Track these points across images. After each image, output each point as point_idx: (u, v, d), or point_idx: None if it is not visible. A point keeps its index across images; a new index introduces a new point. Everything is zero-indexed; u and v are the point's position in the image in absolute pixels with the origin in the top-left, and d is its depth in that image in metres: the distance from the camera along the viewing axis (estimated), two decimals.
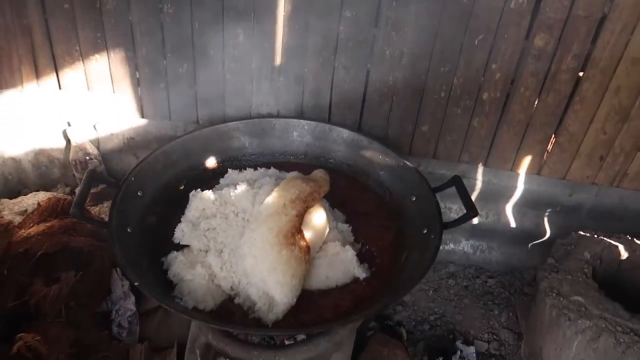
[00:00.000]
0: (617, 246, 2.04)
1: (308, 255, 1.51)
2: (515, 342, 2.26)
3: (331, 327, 1.46)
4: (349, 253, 1.61)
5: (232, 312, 1.47)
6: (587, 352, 1.68)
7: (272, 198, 1.54)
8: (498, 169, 2.29)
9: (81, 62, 2.19)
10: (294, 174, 1.72)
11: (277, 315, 1.43)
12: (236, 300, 1.50)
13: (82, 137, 2.37)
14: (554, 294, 1.81)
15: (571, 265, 1.93)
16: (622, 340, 1.61)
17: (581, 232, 2.12)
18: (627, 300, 1.87)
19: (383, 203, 1.90)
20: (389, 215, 1.84)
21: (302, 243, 1.49)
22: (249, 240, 1.48)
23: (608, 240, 2.06)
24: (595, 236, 2.09)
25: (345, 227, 1.75)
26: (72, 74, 2.23)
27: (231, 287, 1.51)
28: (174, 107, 2.28)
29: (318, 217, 1.62)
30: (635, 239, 2.08)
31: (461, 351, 2.16)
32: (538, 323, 1.93)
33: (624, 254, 2.04)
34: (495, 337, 2.30)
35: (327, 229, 1.65)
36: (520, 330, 2.30)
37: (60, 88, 2.27)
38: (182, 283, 1.50)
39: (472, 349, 2.19)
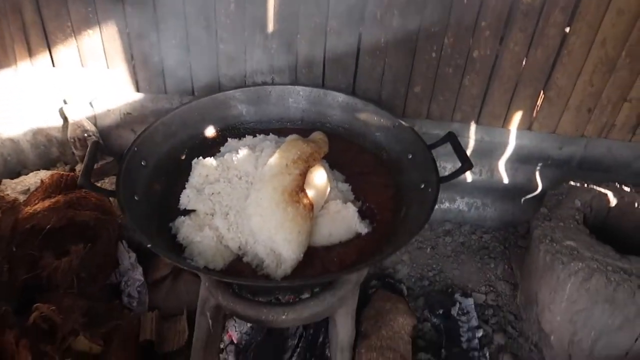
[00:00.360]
0: (606, 194, 2.12)
1: (312, 212, 1.56)
2: (511, 293, 2.36)
3: (339, 276, 1.52)
4: (351, 210, 1.67)
5: (241, 271, 1.53)
6: (580, 292, 1.76)
7: (275, 159, 1.59)
8: (490, 126, 2.34)
9: (73, 38, 2.19)
10: (294, 136, 1.77)
11: (286, 270, 1.49)
12: (245, 259, 1.55)
13: (78, 114, 2.39)
14: (547, 241, 1.89)
15: (563, 213, 2.01)
16: (612, 279, 1.70)
17: (572, 182, 2.19)
18: (617, 245, 1.95)
19: (380, 163, 1.95)
20: (386, 174, 1.89)
21: (306, 201, 1.54)
22: (255, 201, 1.53)
23: (598, 188, 2.14)
24: (586, 185, 2.16)
25: (346, 187, 1.80)
26: (65, 50, 2.23)
27: (239, 247, 1.57)
28: (169, 79, 2.30)
29: (319, 176, 1.67)
30: (623, 187, 2.15)
31: (460, 303, 2.25)
32: (533, 270, 2.01)
33: (613, 201, 2.11)
34: (492, 288, 2.39)
35: (329, 188, 1.70)
36: (515, 280, 2.39)
37: (54, 65, 2.27)
38: (191, 245, 1.56)
39: (470, 300, 2.28)
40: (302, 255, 1.52)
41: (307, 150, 1.63)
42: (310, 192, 1.60)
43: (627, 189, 2.13)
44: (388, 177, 1.88)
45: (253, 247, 1.56)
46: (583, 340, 1.83)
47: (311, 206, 1.56)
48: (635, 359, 1.76)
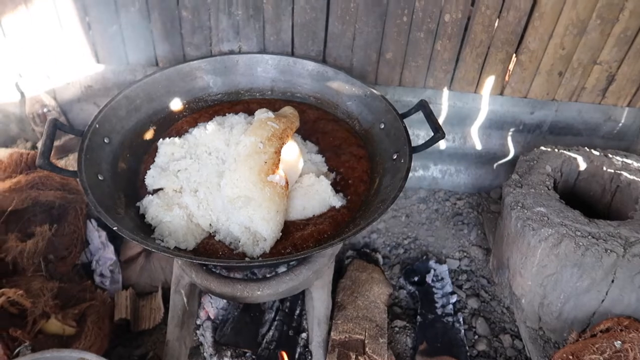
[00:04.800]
0: (575, 158, 2.14)
1: (287, 190, 1.54)
2: (484, 257, 2.40)
3: (311, 253, 1.51)
4: (324, 183, 1.64)
5: (215, 250, 1.49)
6: (550, 257, 1.80)
7: (249, 138, 1.54)
8: (462, 91, 2.32)
9: (24, 6, 2.05)
10: (263, 111, 1.72)
11: (264, 249, 1.47)
12: (217, 237, 1.52)
13: (36, 88, 2.27)
14: (519, 207, 1.91)
15: (534, 179, 2.03)
16: (581, 243, 1.73)
17: (543, 148, 2.20)
18: (586, 207, 1.99)
19: (353, 132, 1.92)
20: (359, 144, 1.86)
21: (282, 179, 1.52)
22: (231, 181, 1.49)
23: (568, 153, 2.15)
24: (556, 150, 2.18)
25: (319, 158, 1.77)
26: (16, 20, 2.09)
27: (210, 224, 1.54)
28: (131, 49, 2.19)
29: (292, 152, 1.63)
30: (592, 150, 2.18)
31: (435, 270, 2.28)
32: (504, 235, 2.04)
33: (583, 165, 2.14)
34: (465, 254, 2.43)
35: (302, 162, 1.67)
36: (488, 245, 2.43)
37: (5, 36, 2.13)
38: (161, 225, 1.51)
39: (444, 267, 2.31)
40: (280, 233, 1.51)
41: (280, 127, 1.59)
42: (285, 169, 1.56)
43: (596, 152, 2.16)
44: (361, 148, 1.85)
45: (225, 225, 1.53)
46: (552, 303, 1.88)
47: (287, 184, 1.53)
48: (600, 319, 1.82)
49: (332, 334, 1.84)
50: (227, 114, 1.89)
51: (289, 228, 1.56)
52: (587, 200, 2.19)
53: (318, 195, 1.64)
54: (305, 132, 1.87)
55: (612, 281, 1.74)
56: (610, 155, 2.14)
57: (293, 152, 1.64)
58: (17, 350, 1.62)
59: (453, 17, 2.07)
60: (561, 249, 1.76)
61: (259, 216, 1.45)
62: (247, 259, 1.44)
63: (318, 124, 1.94)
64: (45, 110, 2.27)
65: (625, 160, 2.12)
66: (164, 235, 1.49)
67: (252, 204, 1.45)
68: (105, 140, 1.66)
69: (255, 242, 1.47)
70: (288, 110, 1.77)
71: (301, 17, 2.09)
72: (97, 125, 1.64)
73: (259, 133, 1.55)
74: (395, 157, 1.69)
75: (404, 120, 1.76)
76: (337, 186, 1.70)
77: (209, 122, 1.73)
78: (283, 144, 1.57)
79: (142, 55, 2.20)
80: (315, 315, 1.84)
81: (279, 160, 1.53)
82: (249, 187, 1.46)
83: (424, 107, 1.76)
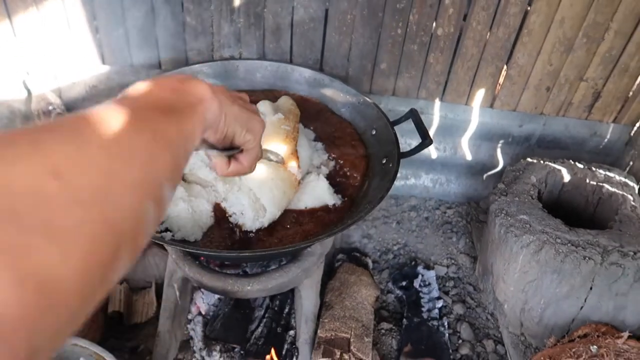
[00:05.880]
0: (560, 170, 2.21)
1: (298, 185, 1.63)
2: (471, 265, 2.46)
3: (299, 247, 1.57)
4: (322, 182, 1.69)
5: (216, 237, 1.54)
6: (531, 263, 1.86)
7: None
8: (454, 103, 2.40)
9: (35, 7, 2.14)
10: (265, 103, 1.78)
11: (263, 223, 1.52)
12: (223, 204, 1.56)
13: (42, 86, 2.35)
14: (503, 214, 1.98)
15: (519, 188, 2.10)
16: (561, 250, 1.79)
17: (529, 159, 2.28)
18: (570, 218, 2.05)
19: (350, 128, 1.97)
20: (358, 141, 1.91)
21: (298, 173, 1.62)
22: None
23: (553, 165, 2.23)
24: (542, 162, 2.25)
25: (320, 145, 1.83)
26: (27, 20, 2.18)
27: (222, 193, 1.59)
28: (135, 52, 2.27)
29: (302, 149, 1.71)
30: (577, 163, 2.25)
31: (422, 275, 2.34)
32: (489, 242, 2.11)
33: (567, 177, 2.21)
34: (453, 261, 2.49)
35: (308, 160, 1.73)
36: (475, 254, 2.49)
37: (15, 35, 2.22)
38: (169, 220, 1.56)
39: (432, 273, 2.37)
40: (279, 213, 1.56)
41: (291, 126, 1.68)
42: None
43: (580, 165, 2.23)
44: (359, 146, 1.90)
45: (237, 195, 1.57)
46: (533, 308, 1.94)
47: (299, 182, 1.62)
48: (579, 326, 1.87)
49: (318, 331, 1.89)
50: None
51: (276, 226, 1.61)
52: (571, 212, 2.26)
53: (314, 191, 1.69)
54: (306, 121, 1.91)
55: (591, 288, 1.81)
56: (594, 169, 2.22)
57: (304, 150, 1.72)
58: None
59: (445, 31, 2.16)
60: (542, 256, 1.82)
61: (267, 187, 1.51)
62: (238, 251, 1.50)
63: (317, 116, 1.99)
64: (50, 108, 2.35)
65: (607, 173, 2.19)
66: (174, 231, 1.54)
67: (266, 174, 1.52)
68: None
69: (257, 217, 1.53)
70: (288, 102, 1.83)
71: (300, 26, 2.18)
72: None
73: (275, 140, 1.63)
74: (384, 161, 1.76)
75: (395, 127, 1.83)
76: (336, 176, 1.76)
77: None
78: (296, 142, 1.65)
79: (146, 57, 2.28)
80: (303, 314, 1.90)
81: (297, 158, 1.62)
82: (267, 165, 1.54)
83: (414, 115, 1.83)
